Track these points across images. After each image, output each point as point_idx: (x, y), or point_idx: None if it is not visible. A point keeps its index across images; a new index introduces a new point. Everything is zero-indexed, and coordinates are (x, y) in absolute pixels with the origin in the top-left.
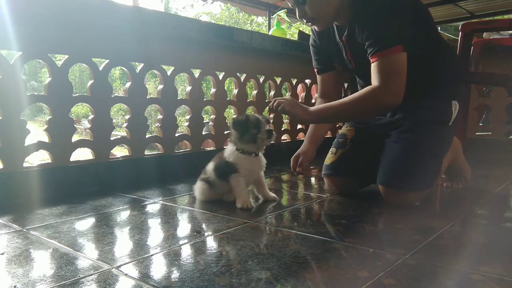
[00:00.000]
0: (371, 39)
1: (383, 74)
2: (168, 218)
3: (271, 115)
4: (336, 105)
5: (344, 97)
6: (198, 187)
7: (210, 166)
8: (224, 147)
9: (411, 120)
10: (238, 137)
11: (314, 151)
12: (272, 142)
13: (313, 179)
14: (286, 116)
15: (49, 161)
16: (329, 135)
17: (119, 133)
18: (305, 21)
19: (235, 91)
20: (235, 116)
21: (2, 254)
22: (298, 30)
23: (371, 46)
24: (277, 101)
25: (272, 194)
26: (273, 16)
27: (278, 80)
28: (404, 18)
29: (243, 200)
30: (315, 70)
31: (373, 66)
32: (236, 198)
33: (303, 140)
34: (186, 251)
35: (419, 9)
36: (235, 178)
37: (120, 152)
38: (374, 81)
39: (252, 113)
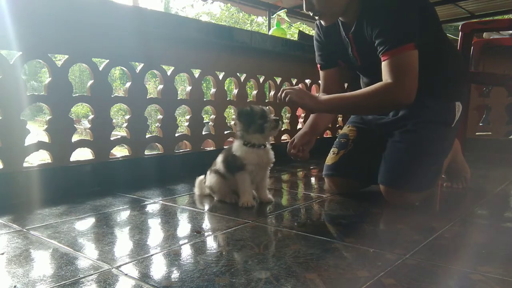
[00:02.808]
0: (382, 37)
1: (396, 72)
2: (168, 218)
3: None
4: (347, 96)
5: None
6: (212, 178)
7: (220, 158)
8: (224, 146)
9: (415, 120)
10: (244, 128)
11: (311, 137)
12: (277, 133)
13: (313, 179)
14: (286, 116)
15: (49, 161)
16: (329, 135)
17: (119, 133)
18: (311, 14)
19: (235, 91)
20: (239, 108)
21: (2, 254)
22: (298, 30)
23: (382, 44)
24: (284, 91)
25: (269, 196)
26: (273, 16)
27: (278, 80)
28: (414, 15)
29: (246, 199)
30: (318, 65)
31: (384, 65)
32: (239, 195)
33: None
34: (186, 251)
35: (427, 7)
36: (241, 175)
37: (120, 152)
38: (386, 78)
39: None
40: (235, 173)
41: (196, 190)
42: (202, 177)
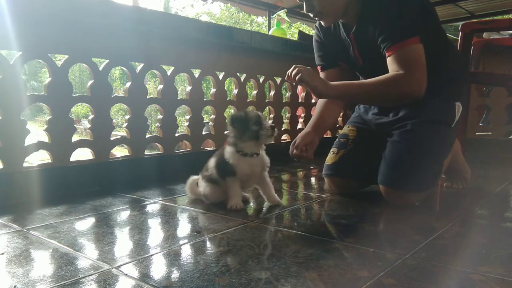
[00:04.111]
0: (385, 33)
1: (404, 64)
2: (168, 218)
3: (271, 115)
4: (358, 84)
5: None
6: (205, 186)
7: (212, 163)
8: (224, 147)
9: (415, 120)
10: (238, 136)
11: (314, 136)
12: (272, 140)
13: (313, 179)
14: (286, 116)
15: (49, 161)
16: (329, 135)
17: (119, 133)
18: (312, 15)
19: (235, 91)
20: (232, 113)
21: (2, 254)
22: (298, 30)
23: (386, 41)
24: (297, 68)
25: (277, 198)
26: (273, 16)
27: (278, 80)
28: (415, 11)
29: (234, 203)
30: (318, 67)
31: (391, 59)
32: (228, 198)
33: None
34: (186, 251)
35: (427, 6)
36: (232, 179)
37: (120, 152)
38: (397, 70)
39: None
40: (225, 177)
41: (189, 193)
42: (194, 177)
